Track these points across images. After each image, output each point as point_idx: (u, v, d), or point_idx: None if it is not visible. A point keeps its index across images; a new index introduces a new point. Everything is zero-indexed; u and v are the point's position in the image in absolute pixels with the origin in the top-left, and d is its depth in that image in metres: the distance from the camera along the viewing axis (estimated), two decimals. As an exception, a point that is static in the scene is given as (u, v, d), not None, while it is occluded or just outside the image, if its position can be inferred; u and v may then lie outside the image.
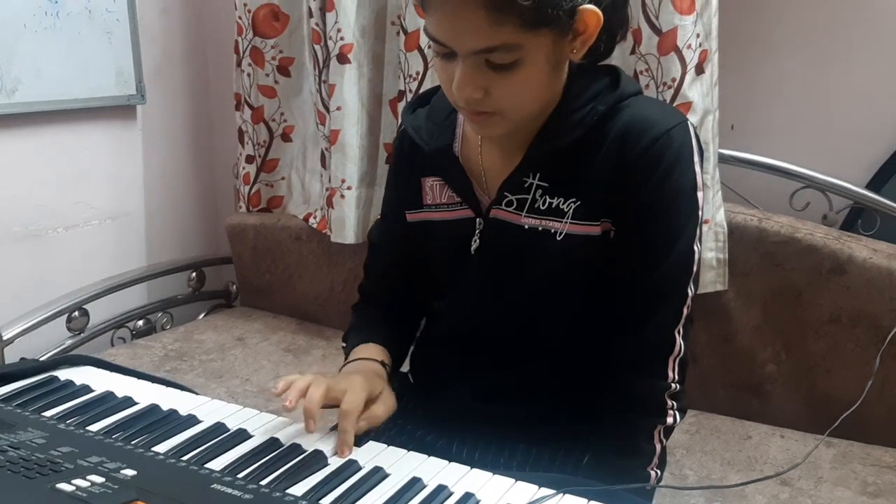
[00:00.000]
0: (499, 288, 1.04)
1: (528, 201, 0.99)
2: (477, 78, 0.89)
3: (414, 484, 0.79)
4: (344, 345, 1.18)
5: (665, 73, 1.48)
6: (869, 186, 1.59)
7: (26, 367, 1.07)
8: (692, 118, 1.48)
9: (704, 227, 1.50)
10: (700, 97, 1.49)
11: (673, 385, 0.96)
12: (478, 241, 1.04)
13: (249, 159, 2.13)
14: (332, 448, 0.87)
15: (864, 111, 1.59)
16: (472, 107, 0.92)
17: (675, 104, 1.47)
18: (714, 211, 1.53)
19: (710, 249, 1.53)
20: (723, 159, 1.58)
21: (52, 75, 1.86)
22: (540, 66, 0.89)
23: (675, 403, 0.97)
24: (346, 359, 1.11)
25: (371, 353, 1.08)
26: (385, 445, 0.89)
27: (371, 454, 0.86)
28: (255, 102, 2.08)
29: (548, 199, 0.98)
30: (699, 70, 1.49)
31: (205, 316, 2.26)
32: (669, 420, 0.97)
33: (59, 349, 1.89)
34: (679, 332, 0.96)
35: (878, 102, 1.58)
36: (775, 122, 1.66)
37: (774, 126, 1.66)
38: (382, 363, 1.07)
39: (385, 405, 0.97)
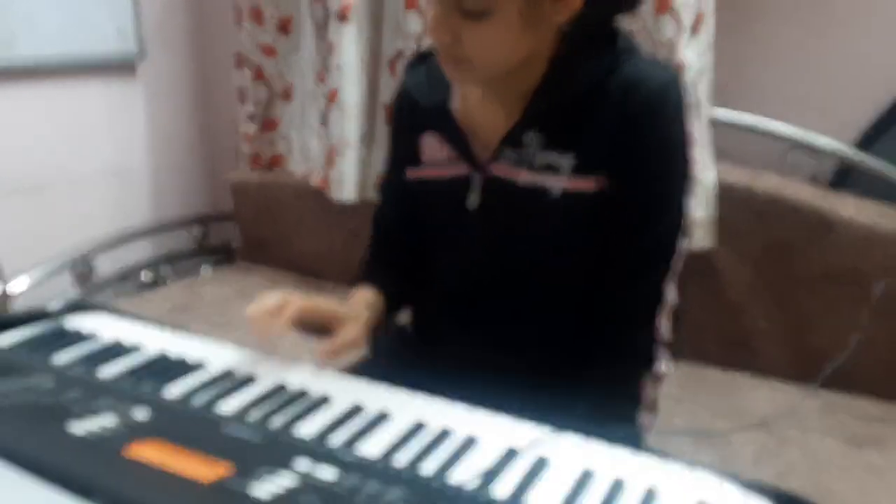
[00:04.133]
0: (496, 245, 1.03)
1: (526, 158, 0.97)
2: (448, 21, 0.88)
3: (419, 425, 0.79)
4: None
5: (661, 32, 1.45)
6: (857, 147, 1.58)
7: (33, 314, 1.06)
8: (685, 78, 1.46)
9: (694, 187, 1.51)
10: (695, 57, 1.47)
11: (663, 335, 0.97)
12: (474, 197, 1.02)
13: (250, 117, 2.10)
14: (337, 392, 0.87)
15: (853, 73, 1.57)
16: (444, 51, 0.92)
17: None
18: (704, 170, 1.52)
19: (699, 208, 1.52)
20: (713, 119, 1.56)
21: (51, 30, 1.82)
22: (511, 23, 0.87)
23: (664, 352, 0.98)
24: None
25: (362, 294, 1.08)
26: (390, 389, 0.88)
27: (377, 397, 0.86)
28: (255, 60, 2.04)
29: (545, 155, 0.96)
30: (695, 30, 1.46)
31: (207, 271, 2.25)
32: (659, 368, 0.98)
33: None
34: (669, 285, 0.97)
35: (866, 64, 1.56)
36: (766, 82, 1.64)
37: (765, 87, 1.64)
38: (368, 305, 1.06)
39: (352, 330, 0.97)
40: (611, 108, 0.93)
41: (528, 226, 1.00)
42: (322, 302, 0.98)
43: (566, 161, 0.95)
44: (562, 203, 0.96)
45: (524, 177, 0.97)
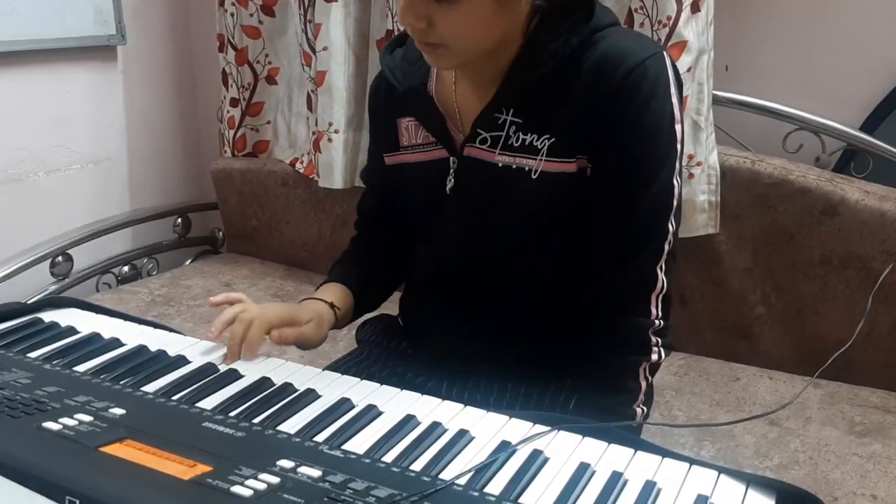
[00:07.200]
0: (475, 228, 1.03)
1: (502, 138, 0.97)
2: (418, 7, 0.88)
3: (408, 421, 0.79)
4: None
5: (660, 11, 1.44)
6: (862, 128, 1.57)
7: (9, 309, 1.05)
8: (687, 58, 1.45)
9: (697, 170, 1.50)
10: (695, 36, 1.46)
11: (656, 322, 0.96)
12: (452, 180, 1.02)
13: (234, 102, 2.08)
14: (323, 387, 0.86)
15: (859, 53, 1.56)
16: (418, 37, 0.92)
17: (669, 43, 1.44)
18: (707, 153, 1.51)
19: (702, 192, 1.52)
20: (716, 101, 1.55)
21: (28, 14, 1.79)
22: (483, 2, 0.87)
23: (659, 340, 0.96)
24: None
25: (325, 293, 1.10)
26: (378, 385, 0.88)
27: (364, 393, 0.85)
28: (238, 43, 2.02)
29: (521, 136, 0.96)
30: (695, 9, 1.45)
31: (191, 262, 2.23)
32: (654, 357, 0.96)
33: (42, 294, 1.86)
34: (661, 269, 0.95)
35: (872, 44, 1.55)
36: (769, 63, 1.63)
37: (768, 67, 1.63)
38: (332, 305, 1.08)
39: (302, 332, 1.02)
40: (584, 88, 0.92)
41: (508, 208, 0.99)
42: (280, 313, 1.01)
43: (542, 142, 0.95)
44: (541, 184, 0.95)
45: (501, 158, 0.97)
